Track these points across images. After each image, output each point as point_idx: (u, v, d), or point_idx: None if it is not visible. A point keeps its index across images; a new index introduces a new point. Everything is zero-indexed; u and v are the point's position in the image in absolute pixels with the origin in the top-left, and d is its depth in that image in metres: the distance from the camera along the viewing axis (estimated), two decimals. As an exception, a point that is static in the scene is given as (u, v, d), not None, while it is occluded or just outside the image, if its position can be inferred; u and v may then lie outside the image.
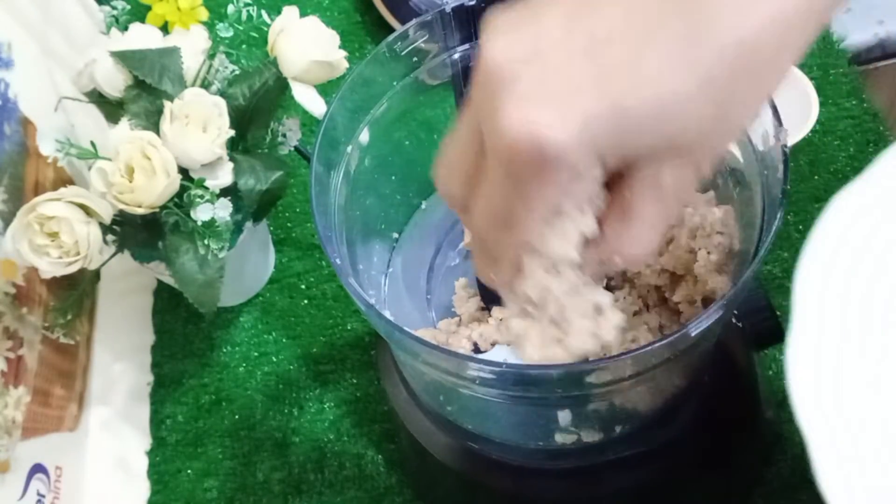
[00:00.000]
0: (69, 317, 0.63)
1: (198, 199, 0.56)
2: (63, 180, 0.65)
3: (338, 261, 0.43)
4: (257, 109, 0.61)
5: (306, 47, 0.59)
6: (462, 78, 0.52)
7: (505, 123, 0.27)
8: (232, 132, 0.58)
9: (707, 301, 0.46)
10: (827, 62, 0.80)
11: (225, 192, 0.58)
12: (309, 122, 0.72)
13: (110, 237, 0.60)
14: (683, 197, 0.31)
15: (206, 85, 0.61)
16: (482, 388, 0.42)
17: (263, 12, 0.61)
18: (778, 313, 0.55)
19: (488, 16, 0.29)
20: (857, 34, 0.83)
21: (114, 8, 0.63)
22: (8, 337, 0.58)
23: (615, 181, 0.30)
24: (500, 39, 0.28)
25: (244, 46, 0.67)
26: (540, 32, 0.28)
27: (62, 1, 0.77)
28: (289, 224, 0.77)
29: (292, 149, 0.64)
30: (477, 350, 0.48)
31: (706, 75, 0.27)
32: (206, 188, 0.56)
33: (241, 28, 0.61)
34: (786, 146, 0.40)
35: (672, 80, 0.27)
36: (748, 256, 0.42)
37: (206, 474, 0.67)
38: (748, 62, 0.27)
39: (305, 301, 0.73)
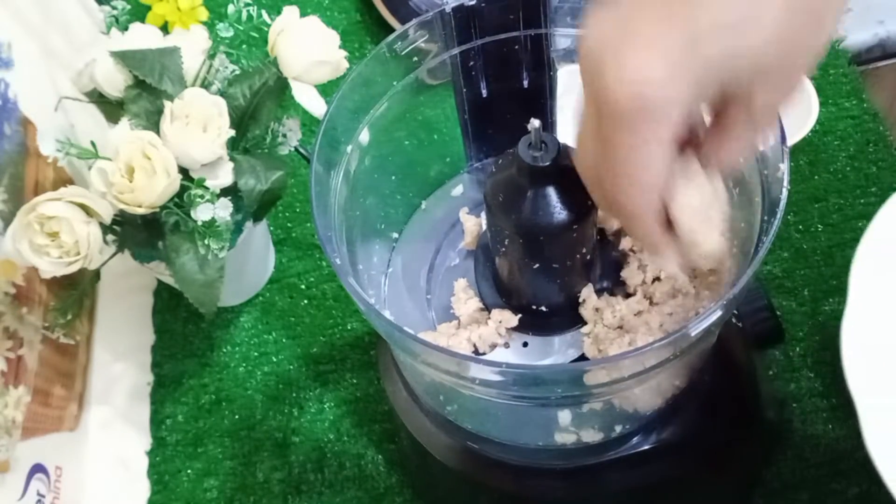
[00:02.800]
0: (69, 317, 0.63)
1: (198, 199, 0.56)
2: (63, 180, 0.65)
3: (338, 261, 0.43)
4: (257, 109, 0.61)
5: (306, 47, 0.59)
6: (462, 78, 0.52)
7: (616, 92, 0.31)
8: (232, 132, 0.58)
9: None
10: (827, 62, 0.80)
11: (225, 192, 0.58)
12: (309, 122, 0.72)
13: (110, 237, 0.60)
14: (769, 119, 0.36)
15: (206, 85, 0.61)
16: (482, 389, 0.42)
17: (263, 12, 0.61)
18: (778, 313, 0.56)
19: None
20: (857, 34, 0.83)
21: (114, 8, 0.63)
22: (8, 337, 0.58)
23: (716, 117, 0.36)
24: (592, 27, 0.33)
25: (244, 46, 0.67)
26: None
27: (62, 1, 0.77)
28: (289, 224, 0.77)
29: (292, 149, 0.64)
30: (476, 353, 0.48)
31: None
32: (207, 188, 0.56)
33: (241, 28, 0.61)
34: (786, 146, 0.40)
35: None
36: (748, 256, 0.42)
37: (206, 474, 0.67)
38: None
39: (305, 301, 0.73)
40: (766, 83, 0.33)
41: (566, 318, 0.48)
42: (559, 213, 0.41)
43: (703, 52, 0.31)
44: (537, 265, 0.44)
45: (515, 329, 0.48)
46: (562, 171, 0.41)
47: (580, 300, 0.47)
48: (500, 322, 0.47)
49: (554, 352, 0.48)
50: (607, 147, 0.33)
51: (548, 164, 0.40)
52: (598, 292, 0.47)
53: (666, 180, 0.35)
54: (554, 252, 0.43)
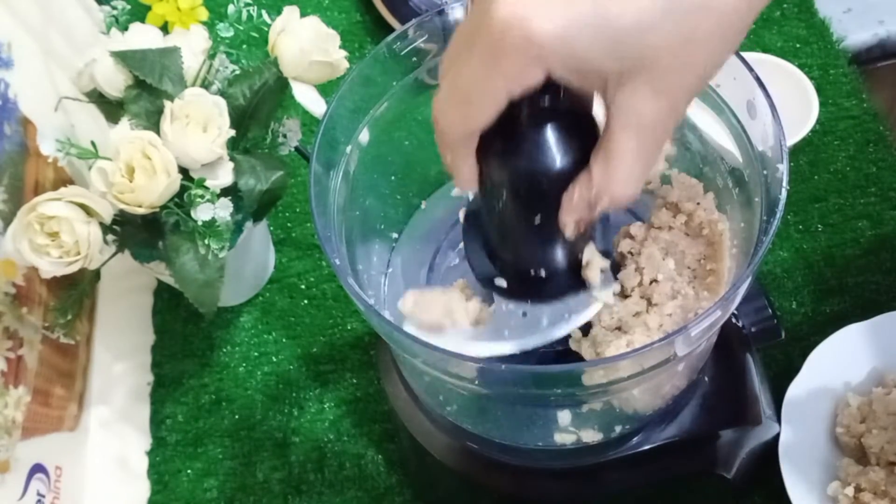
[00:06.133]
0: (69, 317, 0.63)
1: (198, 199, 0.56)
2: (63, 180, 0.65)
3: (337, 261, 0.43)
4: (257, 109, 0.61)
5: (307, 47, 0.59)
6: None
7: (500, 12, 0.30)
8: (232, 132, 0.58)
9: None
10: (827, 62, 0.80)
11: (225, 191, 0.58)
12: (309, 122, 0.72)
13: (110, 237, 0.60)
14: (661, 133, 0.33)
15: (206, 85, 0.61)
16: (482, 388, 0.42)
17: (264, 12, 0.61)
18: (778, 313, 0.55)
19: None
20: (857, 34, 0.83)
21: (114, 8, 0.63)
22: (8, 337, 0.58)
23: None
24: None
25: (244, 46, 0.67)
26: None
27: (62, 1, 0.77)
28: (289, 224, 0.77)
29: (292, 149, 0.64)
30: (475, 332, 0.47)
31: (669, 4, 0.30)
32: (207, 188, 0.56)
33: (241, 28, 0.61)
34: (786, 146, 0.40)
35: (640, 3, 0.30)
36: (748, 256, 0.42)
37: (206, 474, 0.67)
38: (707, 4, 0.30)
39: (305, 301, 0.73)
40: (651, 82, 0.32)
41: (567, 282, 0.44)
42: (562, 154, 0.37)
43: (608, 25, 0.30)
44: (538, 219, 0.40)
45: (514, 298, 0.46)
46: (563, 111, 0.38)
47: (583, 262, 0.45)
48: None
49: (555, 319, 0.45)
50: (465, 63, 0.32)
51: (547, 105, 0.38)
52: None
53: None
54: (556, 202, 0.38)
